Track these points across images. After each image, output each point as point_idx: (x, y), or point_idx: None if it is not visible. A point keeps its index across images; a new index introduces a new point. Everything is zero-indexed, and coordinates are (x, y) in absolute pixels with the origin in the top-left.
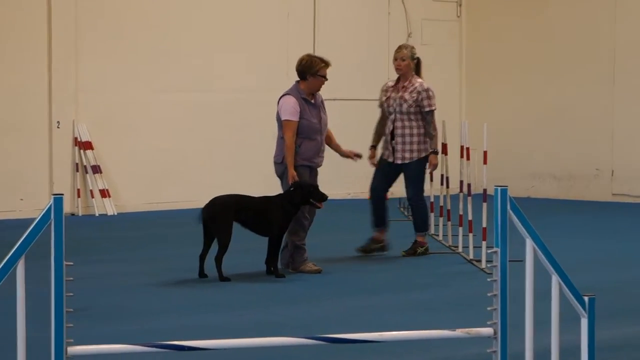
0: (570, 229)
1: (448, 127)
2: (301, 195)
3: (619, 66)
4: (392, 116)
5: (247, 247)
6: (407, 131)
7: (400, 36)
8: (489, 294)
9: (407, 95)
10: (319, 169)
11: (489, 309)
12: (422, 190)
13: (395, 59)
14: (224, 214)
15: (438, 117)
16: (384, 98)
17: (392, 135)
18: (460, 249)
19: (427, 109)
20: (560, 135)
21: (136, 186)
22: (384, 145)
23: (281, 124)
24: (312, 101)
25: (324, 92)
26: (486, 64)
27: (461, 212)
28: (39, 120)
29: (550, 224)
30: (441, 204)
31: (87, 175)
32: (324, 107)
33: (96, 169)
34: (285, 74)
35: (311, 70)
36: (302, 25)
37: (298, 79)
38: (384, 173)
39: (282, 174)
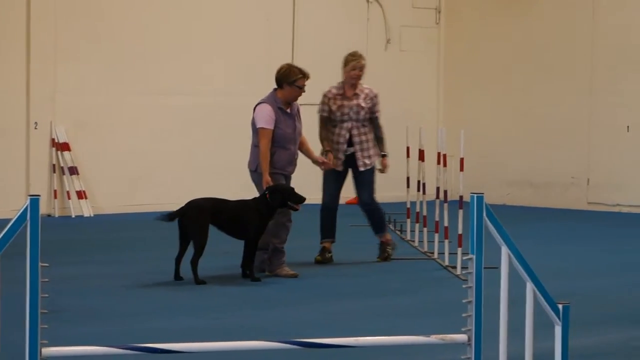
0: (545, 237)
1: (425, 133)
2: (280, 199)
3: (596, 76)
4: (347, 124)
5: (223, 250)
6: (363, 137)
7: (379, 42)
8: (464, 301)
9: (363, 103)
10: (292, 176)
11: (463, 315)
12: (374, 193)
13: (354, 68)
14: (199, 217)
15: (416, 123)
16: (334, 106)
17: (350, 142)
18: (435, 255)
19: (377, 114)
20: (537, 143)
21: (113, 188)
22: (332, 154)
23: (256, 131)
24: (288, 110)
25: (302, 96)
26: (464, 71)
27: (437, 219)
28: (17, 121)
29: (526, 231)
30: (417, 210)
31: (64, 177)
32: (300, 116)
33: (73, 171)
34: (265, 79)
35: (288, 80)
36: (282, 30)
37: (276, 86)
38: (336, 184)
39: (257, 182)
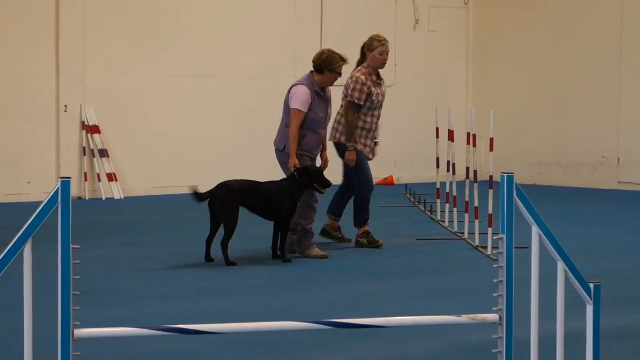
0: (575, 217)
1: (454, 114)
2: (308, 179)
3: (626, 54)
4: (377, 111)
5: (253, 232)
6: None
7: (408, 23)
8: (494, 281)
9: (385, 90)
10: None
11: (494, 295)
12: None
13: (382, 53)
14: (229, 199)
15: (445, 104)
16: (374, 95)
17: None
18: (466, 236)
19: None
20: (567, 123)
21: (143, 170)
22: (362, 141)
23: (289, 111)
24: (323, 94)
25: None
26: (493, 52)
27: (467, 199)
28: (47, 104)
29: (556, 211)
30: (447, 190)
31: (95, 159)
32: (331, 102)
33: (103, 153)
34: (292, 61)
35: (330, 67)
36: (309, 12)
37: (312, 70)
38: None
39: (283, 161)
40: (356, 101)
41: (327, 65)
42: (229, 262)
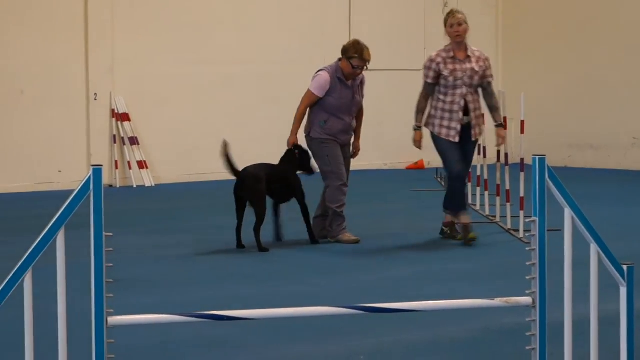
0: (608, 198)
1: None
2: (301, 161)
3: None
4: (461, 90)
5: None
6: (477, 105)
7: (436, 6)
8: (527, 263)
9: (476, 66)
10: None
11: (527, 278)
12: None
13: (451, 25)
14: (257, 186)
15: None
16: (445, 71)
17: (466, 111)
18: (498, 219)
19: (490, 79)
20: (597, 105)
21: (173, 157)
22: (446, 123)
23: None
24: (349, 83)
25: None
26: (523, 34)
27: (499, 182)
28: (77, 92)
29: (588, 193)
30: (478, 173)
31: (125, 147)
32: (362, 90)
33: (133, 141)
34: (320, 46)
35: (346, 54)
36: None
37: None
38: (458, 151)
39: (310, 146)
40: (423, 78)
41: (344, 52)
42: (262, 247)
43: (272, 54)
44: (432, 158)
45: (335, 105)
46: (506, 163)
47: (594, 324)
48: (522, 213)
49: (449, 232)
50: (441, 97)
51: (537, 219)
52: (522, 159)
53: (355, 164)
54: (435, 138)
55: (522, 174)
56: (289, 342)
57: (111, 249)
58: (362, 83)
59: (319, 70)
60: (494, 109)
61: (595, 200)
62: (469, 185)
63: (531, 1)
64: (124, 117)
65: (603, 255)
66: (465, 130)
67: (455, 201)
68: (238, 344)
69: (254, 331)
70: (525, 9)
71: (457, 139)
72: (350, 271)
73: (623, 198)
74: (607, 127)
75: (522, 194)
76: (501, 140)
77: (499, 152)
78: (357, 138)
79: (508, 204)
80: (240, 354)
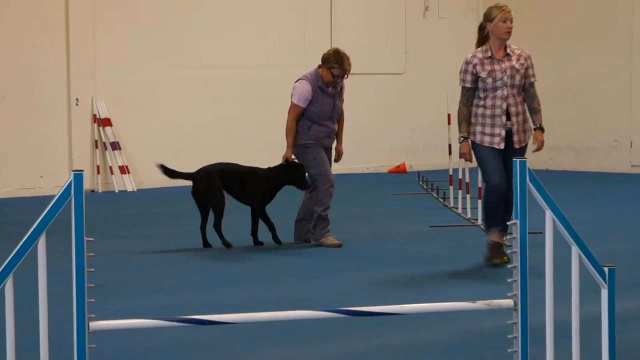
0: (589, 201)
1: None
2: (292, 176)
3: (637, 36)
4: (501, 92)
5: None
6: (520, 108)
7: (417, 9)
8: (508, 266)
9: (517, 65)
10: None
11: (509, 280)
12: None
13: (503, 20)
14: (211, 183)
15: (456, 90)
16: (483, 73)
17: (507, 114)
18: (479, 222)
19: (532, 80)
20: (579, 108)
21: (155, 162)
22: (488, 130)
23: None
24: (329, 90)
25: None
26: None
27: (480, 185)
28: (58, 97)
29: (569, 195)
30: (460, 176)
31: (107, 152)
32: (341, 95)
33: (115, 146)
34: (302, 50)
35: (326, 64)
36: (319, 1)
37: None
38: (499, 162)
39: (296, 154)
40: (460, 83)
41: (324, 60)
42: (226, 243)
43: (253, 58)
44: (413, 162)
45: (318, 113)
46: None
47: (575, 326)
48: None
49: (494, 254)
50: (480, 102)
51: (518, 221)
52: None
53: (337, 168)
54: (477, 147)
55: None
56: (272, 347)
57: (92, 254)
58: (341, 89)
59: (298, 79)
60: (535, 111)
61: (576, 202)
62: (450, 188)
63: (512, 6)
64: (106, 122)
65: (584, 257)
66: (508, 137)
67: (495, 217)
68: (221, 349)
69: (236, 335)
70: None
71: (502, 145)
72: (332, 275)
73: (604, 200)
74: (588, 130)
75: None
76: (539, 144)
77: None
78: (340, 142)
79: None
80: (224, 359)
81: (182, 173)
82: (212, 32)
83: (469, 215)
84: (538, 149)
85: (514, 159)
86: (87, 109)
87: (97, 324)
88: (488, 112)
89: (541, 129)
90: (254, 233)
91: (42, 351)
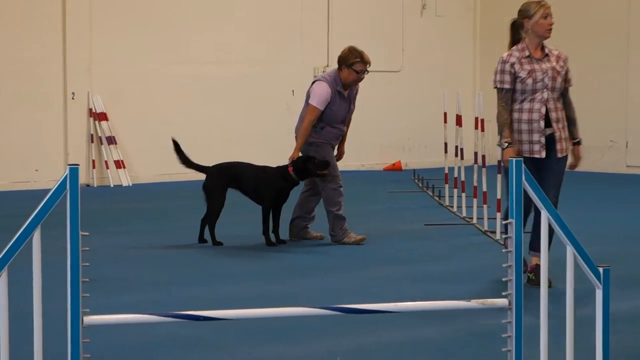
0: (584, 201)
1: (462, 98)
2: (306, 170)
3: (633, 37)
4: (541, 95)
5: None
6: (560, 114)
7: (415, 7)
8: (503, 265)
9: (557, 66)
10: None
11: (503, 279)
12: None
13: (545, 16)
14: (216, 181)
15: (453, 88)
16: (522, 73)
17: (547, 120)
18: (474, 221)
19: (570, 84)
20: (575, 107)
21: (150, 157)
22: (525, 137)
23: (308, 104)
24: (346, 94)
25: None
26: (501, 36)
27: (476, 184)
28: (54, 91)
29: (565, 195)
30: (455, 175)
31: (102, 146)
32: (354, 100)
33: (111, 140)
34: (299, 47)
35: (347, 62)
36: None
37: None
38: (536, 177)
39: (303, 150)
40: (497, 85)
41: (343, 60)
42: (216, 241)
43: (250, 54)
44: (409, 160)
45: (332, 116)
46: (483, 165)
47: (569, 326)
48: (498, 215)
49: (534, 278)
50: (517, 105)
51: (513, 221)
52: (499, 161)
53: None
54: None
55: (499, 176)
56: (267, 343)
57: (87, 248)
58: (356, 93)
59: (317, 80)
60: (573, 122)
61: (571, 202)
62: (446, 186)
63: (509, 4)
64: (102, 117)
65: (579, 257)
66: (549, 146)
67: (538, 240)
68: (215, 344)
69: (231, 331)
70: (503, 11)
71: (543, 154)
72: (327, 272)
73: (599, 200)
74: (583, 130)
75: (499, 196)
76: (577, 162)
77: (476, 153)
78: (343, 142)
79: (485, 206)
80: (218, 354)
81: (197, 165)
82: (208, 27)
83: (464, 214)
84: (574, 167)
85: (509, 158)
86: (83, 103)
87: (91, 319)
88: (525, 116)
89: (580, 143)
90: (275, 230)
91: (36, 345)
